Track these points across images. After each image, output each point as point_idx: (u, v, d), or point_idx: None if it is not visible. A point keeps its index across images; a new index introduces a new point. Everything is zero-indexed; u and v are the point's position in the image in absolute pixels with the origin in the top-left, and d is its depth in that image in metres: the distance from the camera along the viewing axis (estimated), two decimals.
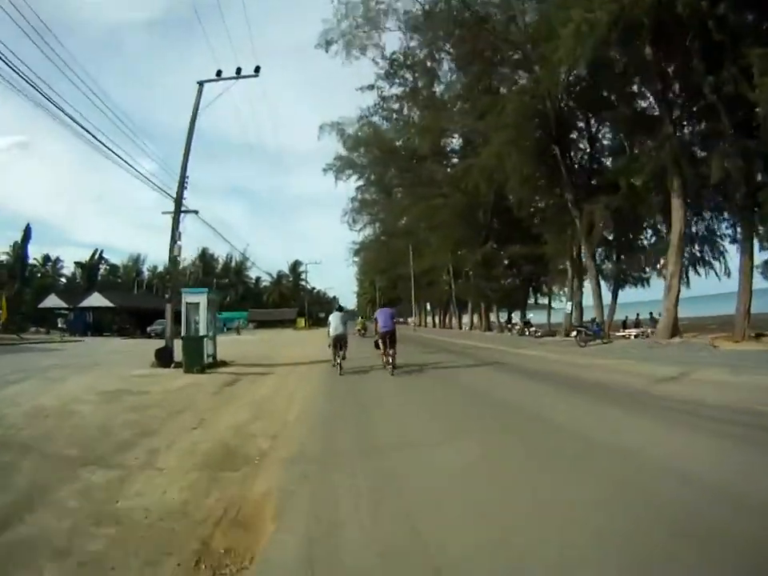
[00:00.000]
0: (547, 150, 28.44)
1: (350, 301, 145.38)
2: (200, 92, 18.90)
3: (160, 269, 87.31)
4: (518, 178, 28.40)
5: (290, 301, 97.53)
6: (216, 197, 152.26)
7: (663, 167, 21.18)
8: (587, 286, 29.87)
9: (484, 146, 30.37)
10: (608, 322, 28.89)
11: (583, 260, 29.17)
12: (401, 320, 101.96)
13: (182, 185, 18.48)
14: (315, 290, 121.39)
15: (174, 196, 18.30)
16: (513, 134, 26.49)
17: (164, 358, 16.85)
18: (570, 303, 31.46)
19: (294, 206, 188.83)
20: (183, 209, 18.64)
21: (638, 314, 32.99)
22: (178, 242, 18.47)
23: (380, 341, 14.38)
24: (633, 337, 26.79)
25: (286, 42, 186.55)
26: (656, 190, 23.55)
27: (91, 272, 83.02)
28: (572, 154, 30.34)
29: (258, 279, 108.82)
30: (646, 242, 29.83)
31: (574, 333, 23.84)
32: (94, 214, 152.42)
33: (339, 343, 14.82)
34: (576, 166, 30.54)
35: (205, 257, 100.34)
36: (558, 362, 16.45)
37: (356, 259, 77.69)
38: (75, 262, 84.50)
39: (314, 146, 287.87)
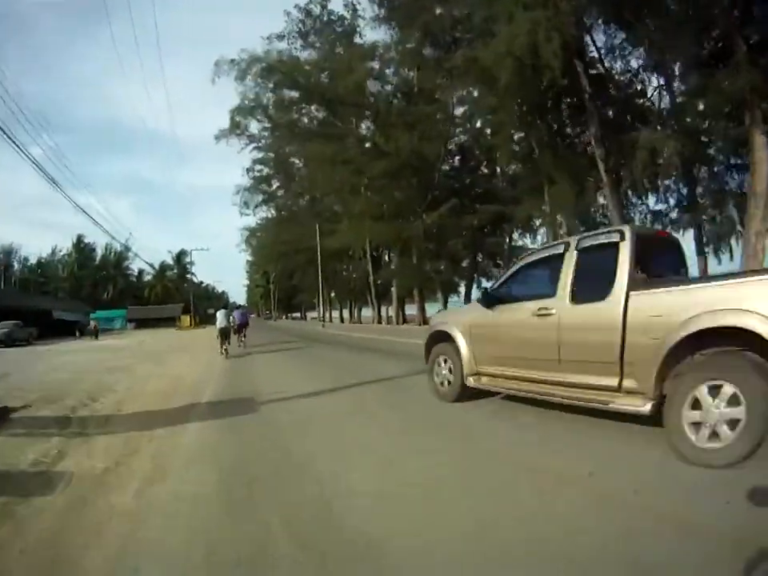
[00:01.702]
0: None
1: (241, 295, 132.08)
2: None
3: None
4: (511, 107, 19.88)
5: (176, 296, 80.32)
6: (103, 185, 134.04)
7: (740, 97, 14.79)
8: None
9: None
10: None
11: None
12: (296, 315, 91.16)
13: None
14: (204, 284, 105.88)
15: None
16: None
17: None
18: None
19: (187, 197, 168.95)
20: None
21: None
22: None
23: (231, 331, 17.44)
24: None
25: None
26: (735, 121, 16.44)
27: None
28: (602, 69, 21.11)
29: (141, 272, 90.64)
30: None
31: None
32: None
33: (224, 335, 16.75)
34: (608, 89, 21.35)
35: (80, 246, 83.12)
36: None
37: (248, 249, 66.42)
38: None
39: (210, 133, 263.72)
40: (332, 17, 33.22)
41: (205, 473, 4.53)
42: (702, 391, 3.89)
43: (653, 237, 6.53)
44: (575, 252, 5.37)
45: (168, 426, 6.55)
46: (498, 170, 31.63)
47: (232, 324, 17.64)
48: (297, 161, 46.51)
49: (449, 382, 6.93)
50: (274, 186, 50.90)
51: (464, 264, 34.82)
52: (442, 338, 7.10)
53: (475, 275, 34.11)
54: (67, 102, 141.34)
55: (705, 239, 19.81)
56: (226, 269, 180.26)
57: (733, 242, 19.71)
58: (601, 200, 22.58)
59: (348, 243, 39.08)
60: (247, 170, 46.89)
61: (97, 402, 8.68)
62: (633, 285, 4.65)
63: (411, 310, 39.86)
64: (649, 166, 17.72)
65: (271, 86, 33.21)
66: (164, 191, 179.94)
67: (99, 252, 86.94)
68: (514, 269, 6.49)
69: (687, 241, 19.16)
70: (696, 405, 3.92)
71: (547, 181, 22.91)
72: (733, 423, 3.70)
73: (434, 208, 29.86)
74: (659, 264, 5.41)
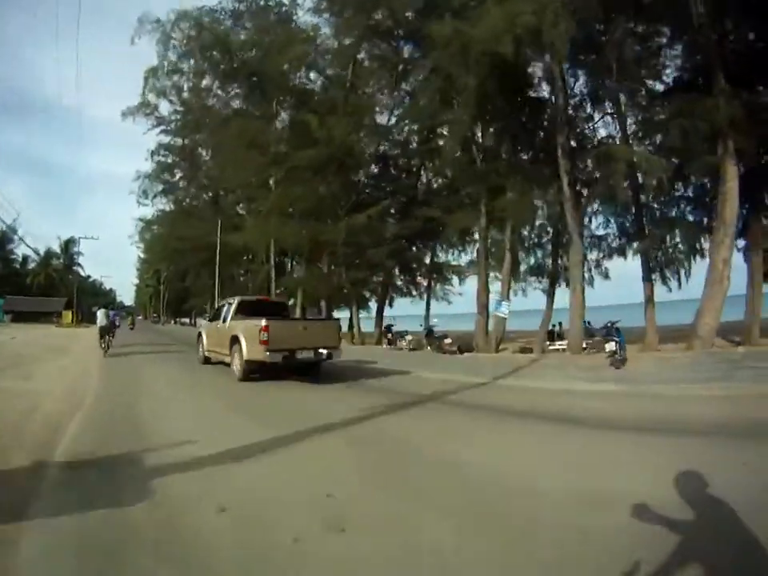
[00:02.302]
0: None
1: (130, 295, 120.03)
2: None
3: None
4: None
5: (61, 289, 68.91)
6: None
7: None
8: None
9: None
10: (542, 332, 20.95)
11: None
12: (186, 321, 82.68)
13: None
14: (91, 279, 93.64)
15: None
16: None
17: None
18: (504, 303, 20.21)
19: (87, 183, 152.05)
20: None
21: (559, 323, 22.71)
22: None
23: (111, 330, 18.82)
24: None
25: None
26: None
27: None
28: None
29: (25, 259, 76.21)
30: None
31: (608, 347, 13.18)
32: None
33: (104, 332, 17.74)
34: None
35: None
36: None
37: (141, 244, 59.13)
38: None
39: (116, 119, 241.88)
40: (269, 2, 29.57)
41: None
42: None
43: (254, 300, 14.04)
44: (236, 303, 12.99)
45: None
46: (424, 178, 29.38)
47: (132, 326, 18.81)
48: (204, 152, 42.01)
49: (200, 355, 14.65)
50: (177, 176, 45.64)
51: (375, 279, 31.02)
52: (199, 334, 15.10)
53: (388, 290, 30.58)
54: None
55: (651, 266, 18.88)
56: (116, 264, 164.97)
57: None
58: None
59: (252, 244, 34.41)
60: (152, 152, 41.78)
61: None
62: (234, 317, 12.52)
63: None
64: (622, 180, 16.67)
65: (197, 53, 28.33)
66: (62, 173, 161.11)
67: None
68: (218, 306, 15.69)
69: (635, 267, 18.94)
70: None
71: (487, 193, 20.93)
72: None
73: (357, 212, 26.17)
74: (262, 311, 12.01)
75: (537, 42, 15.21)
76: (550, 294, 21.72)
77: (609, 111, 19.77)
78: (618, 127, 19.20)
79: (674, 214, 19.26)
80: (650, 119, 17.80)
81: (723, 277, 15.32)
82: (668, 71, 18.41)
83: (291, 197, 26.25)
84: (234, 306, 12.68)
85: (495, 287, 22.27)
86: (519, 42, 15.00)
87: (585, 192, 19.59)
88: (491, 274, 22.99)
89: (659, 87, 18.62)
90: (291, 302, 34.05)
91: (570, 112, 18.98)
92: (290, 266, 40.73)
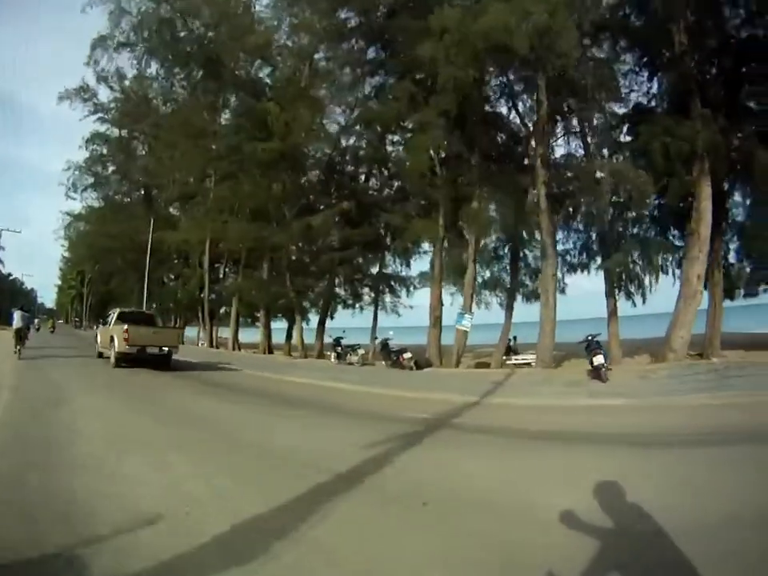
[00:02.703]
0: None
1: (52, 296, 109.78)
2: None
3: None
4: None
5: None
6: None
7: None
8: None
9: None
10: (501, 346, 20.31)
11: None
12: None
13: None
14: (11, 277, 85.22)
15: None
16: None
17: None
18: (467, 316, 18.69)
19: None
20: None
21: (514, 338, 21.78)
22: None
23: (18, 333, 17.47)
24: None
25: None
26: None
27: None
28: None
29: None
30: None
31: (595, 360, 12.13)
32: None
33: (19, 335, 17.20)
34: None
35: None
36: None
37: (65, 241, 54.36)
38: None
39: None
40: None
41: None
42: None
43: (130, 311, 18.75)
44: (116, 313, 16.91)
45: None
46: (376, 183, 27.73)
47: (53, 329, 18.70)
48: (141, 145, 39.57)
49: (96, 351, 17.91)
50: (110, 170, 42.17)
51: (316, 289, 28.89)
52: (96, 336, 18.85)
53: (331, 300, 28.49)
54: None
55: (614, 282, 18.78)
56: (39, 262, 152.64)
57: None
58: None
59: (186, 246, 32.11)
60: (87, 140, 38.62)
61: None
62: (114, 323, 16.03)
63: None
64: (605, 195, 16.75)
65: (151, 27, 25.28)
66: None
67: None
68: (107, 314, 19.80)
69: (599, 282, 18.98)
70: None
71: (444, 201, 19.98)
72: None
73: (304, 216, 24.16)
74: (134, 320, 15.97)
75: (544, 41, 14.44)
76: (509, 308, 20.68)
77: (574, 130, 19.88)
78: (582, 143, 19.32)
79: (637, 231, 19.24)
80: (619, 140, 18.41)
81: (697, 291, 15.79)
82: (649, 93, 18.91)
83: (240, 193, 24.07)
84: (115, 316, 16.79)
85: (456, 299, 21.35)
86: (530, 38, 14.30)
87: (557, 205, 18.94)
88: (445, 286, 21.85)
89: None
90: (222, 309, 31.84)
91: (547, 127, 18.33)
92: (222, 273, 38.13)
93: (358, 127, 25.19)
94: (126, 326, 14.55)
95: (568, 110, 19.00)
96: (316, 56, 26.02)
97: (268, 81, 27.63)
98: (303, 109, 22.97)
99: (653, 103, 18.76)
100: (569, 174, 18.84)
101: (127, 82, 33.64)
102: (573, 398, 10.51)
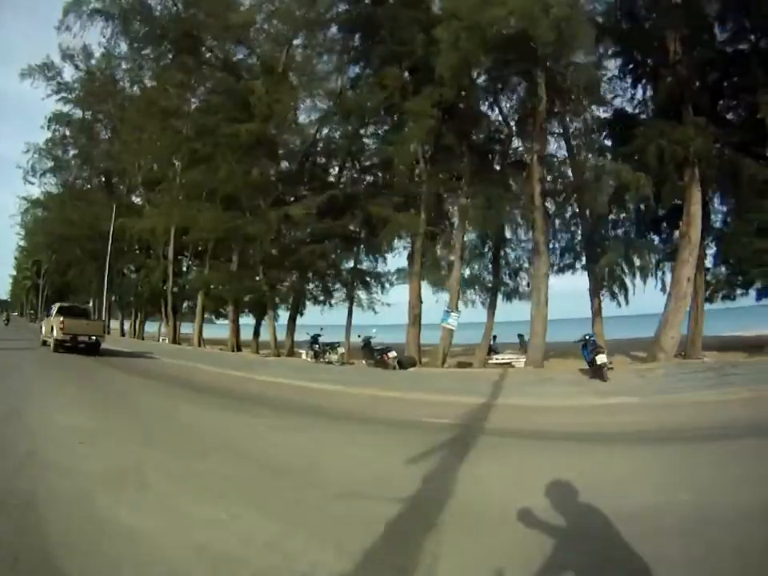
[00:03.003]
0: None
1: (6, 288, 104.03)
2: None
3: None
4: None
5: None
6: None
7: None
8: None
9: None
10: (485, 345, 19.71)
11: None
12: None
13: None
14: None
15: None
16: None
17: None
18: (453, 314, 18.36)
19: None
20: None
21: (494, 337, 21.18)
22: None
23: None
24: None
25: None
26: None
27: None
28: None
29: None
30: None
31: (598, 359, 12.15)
32: None
33: None
34: None
35: None
36: None
37: (22, 229, 51.53)
38: None
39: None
40: None
41: None
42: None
43: (68, 306, 20.52)
44: (57, 307, 19.18)
45: None
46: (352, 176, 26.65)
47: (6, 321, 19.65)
48: (104, 129, 37.50)
49: (41, 339, 19.95)
50: (71, 153, 39.69)
51: (285, 283, 27.63)
52: (41, 326, 22.13)
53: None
54: None
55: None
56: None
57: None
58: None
59: (149, 235, 30.41)
60: (49, 119, 36.42)
61: None
62: (55, 315, 18.21)
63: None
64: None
65: None
66: None
67: None
68: (49, 307, 24.77)
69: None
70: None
71: (427, 195, 19.66)
72: None
73: (279, 206, 23.11)
74: (71, 313, 18.66)
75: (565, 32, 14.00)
76: (491, 307, 20.26)
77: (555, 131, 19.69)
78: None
79: (622, 232, 19.50)
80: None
81: (687, 293, 16.16)
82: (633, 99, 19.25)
83: (215, 178, 22.49)
84: (55, 309, 18.95)
85: (439, 297, 20.80)
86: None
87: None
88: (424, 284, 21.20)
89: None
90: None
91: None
92: (186, 265, 36.55)
93: (336, 117, 24.22)
94: (61, 318, 17.36)
95: (558, 109, 18.59)
96: (295, 42, 24.94)
97: (247, 62, 26.27)
98: (285, 92, 21.93)
99: (637, 109, 19.24)
100: (567, 173, 18.83)
101: (94, 62, 32.19)
102: (582, 397, 10.29)
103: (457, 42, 14.38)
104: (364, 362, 18.69)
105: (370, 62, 20.96)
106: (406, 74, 19.07)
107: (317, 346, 19.84)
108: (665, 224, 19.35)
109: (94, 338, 17.86)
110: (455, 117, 18.36)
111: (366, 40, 21.10)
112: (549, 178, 18.93)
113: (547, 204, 18.27)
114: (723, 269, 18.68)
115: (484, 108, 20.54)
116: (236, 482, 4.55)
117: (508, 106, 19.62)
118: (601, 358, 12.01)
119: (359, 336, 19.88)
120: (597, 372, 12.03)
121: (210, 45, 24.02)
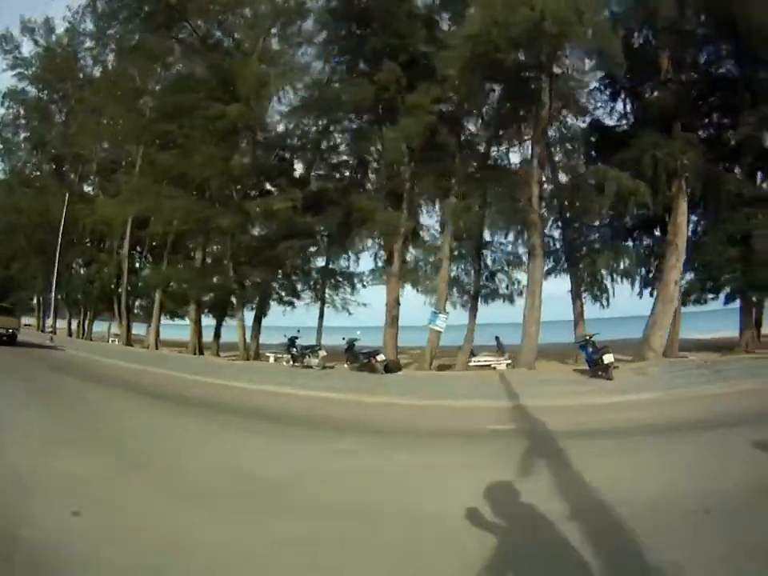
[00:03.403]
0: None
1: None
2: None
3: None
4: None
5: None
6: None
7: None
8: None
9: None
10: (467, 347, 19.67)
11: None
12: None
13: None
14: None
15: None
16: None
17: None
18: (441, 316, 17.96)
19: None
20: None
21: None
22: None
23: None
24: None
25: None
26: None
27: None
28: None
29: None
30: None
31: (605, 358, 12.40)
32: None
33: None
34: None
35: None
36: None
37: None
38: None
39: None
40: None
41: None
42: None
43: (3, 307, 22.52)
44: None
45: None
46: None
47: None
48: (60, 110, 34.94)
49: None
50: (22, 136, 36.95)
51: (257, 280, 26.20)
52: None
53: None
54: None
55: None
56: None
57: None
58: None
59: (104, 226, 28.46)
60: (3, 95, 33.93)
61: None
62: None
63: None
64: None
65: None
66: None
67: None
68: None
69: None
70: None
71: (410, 193, 19.47)
72: None
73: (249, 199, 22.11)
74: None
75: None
76: (473, 309, 20.01)
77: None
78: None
79: (606, 238, 19.67)
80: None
81: (674, 296, 17.18)
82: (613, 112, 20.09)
83: (196, 161, 20.52)
84: None
85: (420, 299, 20.50)
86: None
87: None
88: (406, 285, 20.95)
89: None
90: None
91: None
92: (139, 261, 34.50)
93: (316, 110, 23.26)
94: None
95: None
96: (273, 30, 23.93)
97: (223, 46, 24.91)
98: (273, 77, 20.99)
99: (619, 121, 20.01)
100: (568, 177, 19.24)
101: (54, 37, 30.55)
102: (598, 396, 10.41)
103: (477, 38, 13.94)
104: (346, 365, 17.73)
105: (360, 54, 20.09)
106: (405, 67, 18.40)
107: (294, 349, 18.52)
108: (637, 232, 19.98)
109: (11, 330, 20.96)
110: (451, 114, 17.98)
111: (356, 32, 20.40)
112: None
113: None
114: (693, 275, 19.40)
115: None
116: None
117: (508, 105, 19.36)
118: (608, 357, 12.23)
119: (343, 339, 18.82)
120: (601, 371, 12.27)
121: (193, 20, 22.46)
